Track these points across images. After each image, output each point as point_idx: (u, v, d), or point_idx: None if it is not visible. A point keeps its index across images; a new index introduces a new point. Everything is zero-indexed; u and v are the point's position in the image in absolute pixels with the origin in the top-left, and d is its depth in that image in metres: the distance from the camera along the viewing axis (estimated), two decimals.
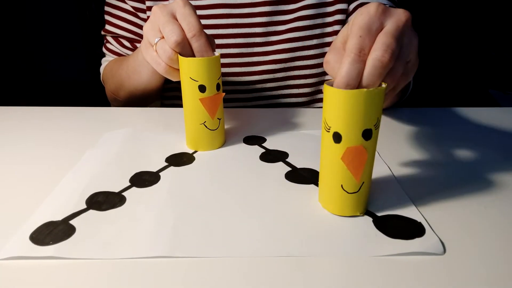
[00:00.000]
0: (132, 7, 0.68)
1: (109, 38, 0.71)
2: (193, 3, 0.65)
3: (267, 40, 0.66)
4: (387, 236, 0.32)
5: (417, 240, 0.31)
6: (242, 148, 0.48)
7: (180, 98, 0.47)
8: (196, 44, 0.42)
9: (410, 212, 0.35)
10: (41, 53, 2.90)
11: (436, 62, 2.08)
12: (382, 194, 0.38)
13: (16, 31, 2.83)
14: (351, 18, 0.30)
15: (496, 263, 0.29)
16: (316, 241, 0.31)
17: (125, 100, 0.68)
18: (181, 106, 0.50)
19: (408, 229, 0.32)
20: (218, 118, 0.47)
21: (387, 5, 0.31)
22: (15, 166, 0.44)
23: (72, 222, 0.33)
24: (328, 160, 0.33)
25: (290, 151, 0.47)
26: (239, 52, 0.66)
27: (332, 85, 0.31)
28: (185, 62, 0.43)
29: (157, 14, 0.43)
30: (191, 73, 0.43)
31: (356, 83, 0.30)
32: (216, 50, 0.45)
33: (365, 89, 0.30)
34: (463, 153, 0.47)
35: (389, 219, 0.34)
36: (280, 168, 0.43)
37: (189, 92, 0.45)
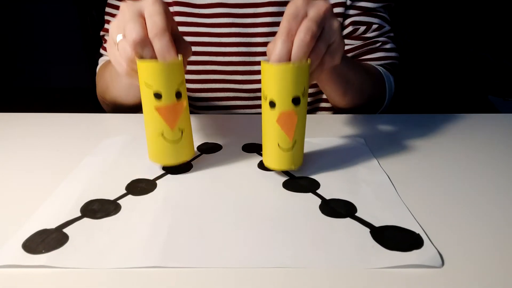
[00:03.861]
0: None
1: (107, 38, 0.71)
2: (197, 11, 0.65)
3: None
4: (384, 247, 0.31)
5: (415, 252, 0.30)
6: (240, 156, 0.48)
7: None
8: (158, 45, 0.38)
9: (408, 223, 0.34)
10: (42, 59, 2.92)
11: (435, 68, 2.07)
12: (380, 204, 0.37)
13: (16, 38, 2.85)
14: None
15: (494, 276, 0.28)
16: (312, 252, 0.31)
17: (111, 105, 0.68)
18: None
19: (406, 241, 0.32)
20: (180, 130, 0.42)
21: None
22: (12, 173, 0.44)
23: (65, 230, 0.33)
24: (266, 123, 0.40)
25: None
26: (241, 60, 0.66)
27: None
28: (139, 66, 0.39)
29: (123, 11, 0.40)
30: (146, 78, 0.38)
31: (287, 59, 0.37)
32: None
33: (291, 63, 0.37)
34: (463, 162, 0.46)
35: (387, 230, 0.33)
36: (278, 177, 0.43)
37: (145, 99, 0.40)
